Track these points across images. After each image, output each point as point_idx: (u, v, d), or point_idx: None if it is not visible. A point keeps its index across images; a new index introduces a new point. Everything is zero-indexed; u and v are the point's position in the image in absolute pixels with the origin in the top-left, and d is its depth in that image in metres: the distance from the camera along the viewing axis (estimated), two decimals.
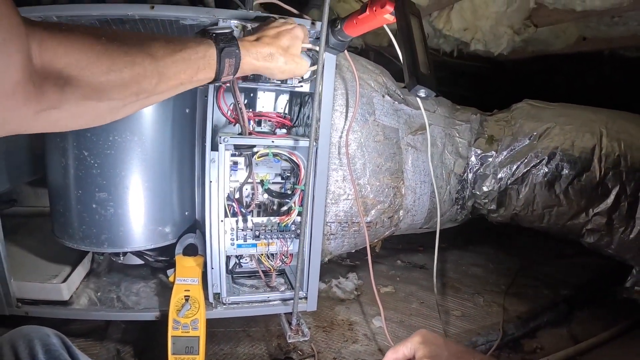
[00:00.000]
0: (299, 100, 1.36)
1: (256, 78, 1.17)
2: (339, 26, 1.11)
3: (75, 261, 1.44)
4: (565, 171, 1.72)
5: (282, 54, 0.92)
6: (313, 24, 1.19)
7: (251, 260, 1.41)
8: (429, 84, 0.83)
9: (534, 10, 2.06)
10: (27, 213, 1.93)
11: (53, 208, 1.35)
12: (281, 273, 1.46)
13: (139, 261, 1.49)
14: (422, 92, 0.83)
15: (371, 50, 2.31)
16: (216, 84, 1.16)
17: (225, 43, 0.80)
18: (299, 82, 1.20)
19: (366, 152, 1.44)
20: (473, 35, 2.13)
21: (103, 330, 1.43)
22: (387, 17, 0.97)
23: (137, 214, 1.27)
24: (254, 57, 0.87)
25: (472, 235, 2.44)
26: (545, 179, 1.75)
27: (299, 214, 1.26)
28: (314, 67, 1.10)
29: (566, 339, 1.61)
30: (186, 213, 1.39)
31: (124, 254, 1.44)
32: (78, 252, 1.44)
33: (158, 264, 1.44)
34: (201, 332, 1.20)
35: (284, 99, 1.36)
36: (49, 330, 0.74)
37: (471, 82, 3.05)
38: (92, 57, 0.58)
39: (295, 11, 1.24)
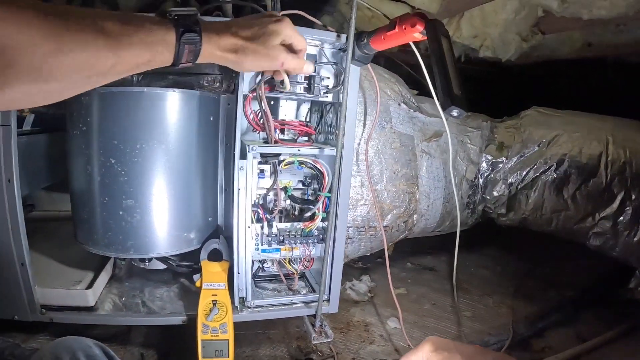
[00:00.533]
0: (319, 108, 1.39)
1: (280, 88, 1.21)
2: (365, 40, 1.15)
3: (98, 266, 1.46)
4: (573, 177, 1.77)
5: (251, 48, 0.83)
6: (338, 36, 1.23)
7: (273, 264, 1.45)
8: (462, 104, 0.88)
9: (541, 18, 2.10)
10: (43, 217, 1.95)
11: (77, 214, 1.36)
12: (301, 276, 1.49)
13: (160, 266, 1.51)
14: (455, 112, 0.87)
15: (382, 56, 2.34)
16: (244, 94, 1.21)
17: (186, 28, 0.72)
18: (324, 92, 1.24)
19: (383, 159, 1.49)
20: (482, 42, 2.17)
21: (126, 335, 1.45)
22: (416, 35, 1.00)
23: (162, 221, 1.30)
24: (216, 46, 0.79)
25: (478, 238, 2.49)
26: (554, 184, 1.80)
27: (323, 219, 1.30)
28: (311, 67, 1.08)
29: (573, 339, 1.66)
30: (209, 219, 1.42)
31: (150, 259, 1.47)
32: (99, 257, 1.46)
33: (182, 269, 1.47)
34: (230, 335, 1.22)
35: (305, 107, 1.39)
36: (90, 341, 0.76)
37: (477, 86, 3.09)
38: (36, 38, 0.53)
39: (318, 22, 1.27)
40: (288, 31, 0.91)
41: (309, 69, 1.02)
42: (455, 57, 0.96)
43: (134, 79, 1.88)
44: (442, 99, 0.88)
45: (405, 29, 0.99)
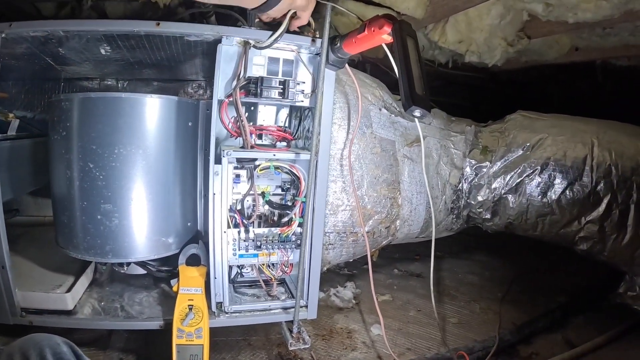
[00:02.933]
0: (298, 114, 1.39)
1: (257, 93, 1.21)
2: (338, 44, 1.15)
3: (79, 271, 1.46)
4: (558, 180, 1.76)
5: None
6: (313, 40, 1.23)
7: (252, 269, 1.44)
8: (424, 105, 0.88)
9: (527, 22, 2.10)
10: (28, 223, 1.95)
11: (57, 219, 1.37)
12: (281, 282, 1.49)
13: (141, 271, 1.52)
14: (417, 112, 0.87)
15: (368, 62, 2.35)
16: (219, 99, 1.21)
17: None
18: (300, 97, 1.24)
19: (364, 164, 1.48)
20: (468, 47, 2.17)
21: (106, 339, 1.44)
22: (384, 37, 1.01)
23: (141, 225, 1.30)
24: None
25: (467, 244, 2.48)
26: (539, 188, 1.80)
27: (300, 224, 1.30)
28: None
29: (561, 345, 1.65)
30: (189, 224, 1.42)
31: (128, 264, 1.47)
32: (81, 262, 1.46)
33: (161, 274, 1.46)
34: (205, 340, 1.22)
35: (284, 112, 1.40)
36: (59, 338, 0.75)
37: (466, 92, 3.09)
38: None
39: (295, 28, 1.27)
40: None
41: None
42: (422, 58, 0.96)
43: (119, 84, 1.90)
44: (404, 99, 0.88)
45: (374, 30, 1.00)
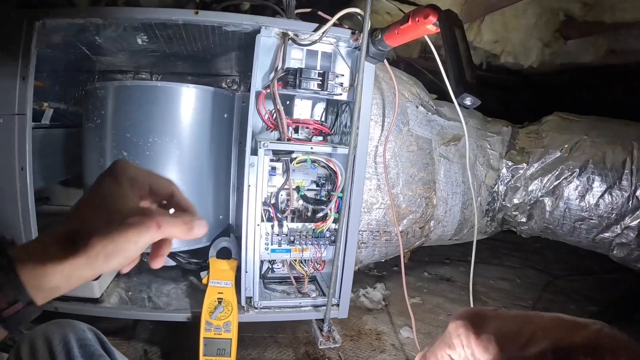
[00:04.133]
0: (335, 109, 1.36)
1: (296, 85, 1.18)
2: (379, 36, 1.12)
3: None
4: (597, 184, 1.70)
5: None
6: (353, 33, 1.20)
7: (283, 265, 1.42)
8: (475, 92, 0.84)
9: (563, 22, 2.05)
10: (59, 212, 1.96)
11: None
12: (312, 279, 1.46)
13: (169, 263, 1.50)
14: (468, 100, 0.84)
15: (401, 61, 2.31)
16: (257, 90, 1.19)
17: None
18: (338, 90, 1.22)
19: (400, 161, 1.45)
20: (503, 47, 2.12)
21: (131, 330, 1.43)
22: (429, 27, 0.97)
23: None
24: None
25: (497, 249, 2.42)
26: (576, 191, 1.73)
27: (335, 220, 1.27)
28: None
29: None
30: (220, 217, 1.40)
31: None
32: None
33: (190, 266, 1.45)
34: (233, 334, 1.20)
35: (320, 106, 1.37)
36: (84, 324, 0.72)
37: (498, 95, 3.03)
38: None
39: (332, 20, 1.24)
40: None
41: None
42: (469, 48, 0.92)
43: (153, 77, 1.90)
44: (455, 86, 0.85)
45: (418, 21, 0.96)
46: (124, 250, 0.42)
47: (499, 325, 0.41)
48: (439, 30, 0.97)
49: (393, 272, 2.08)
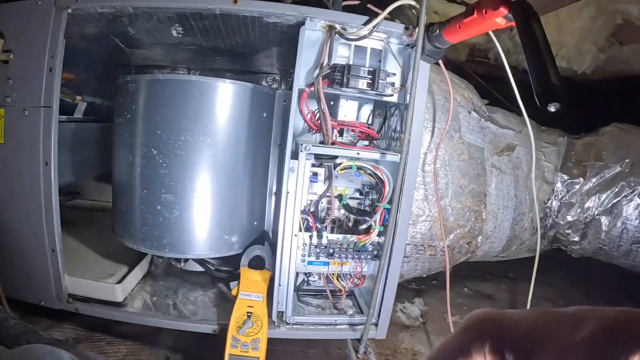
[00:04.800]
0: (383, 111, 1.26)
1: (343, 83, 1.08)
2: (437, 31, 1.02)
3: (134, 261, 1.41)
4: None
5: None
6: (407, 28, 1.10)
7: (319, 278, 1.32)
8: (562, 96, 0.72)
9: (620, 26, 1.91)
10: (89, 207, 1.94)
11: (116, 205, 1.32)
12: (350, 294, 1.36)
13: (199, 267, 1.43)
14: (553, 107, 0.72)
15: (448, 64, 2.19)
16: (300, 87, 1.09)
17: None
18: (389, 91, 1.11)
19: (449, 171, 1.33)
20: (557, 51, 2.00)
21: (154, 335, 1.37)
22: (498, 20, 0.86)
23: (203, 220, 1.21)
24: None
25: (541, 267, 2.27)
26: (637, 211, 1.59)
27: (379, 234, 1.16)
28: None
29: None
30: (255, 223, 1.32)
31: (185, 260, 1.39)
32: (137, 252, 1.40)
33: (220, 274, 1.37)
34: (261, 352, 1.11)
35: (367, 108, 1.27)
36: (65, 354, 0.67)
37: None
38: None
39: (384, 13, 1.14)
40: None
41: None
42: (549, 45, 0.80)
43: (191, 74, 1.84)
44: (539, 90, 0.73)
45: (486, 13, 0.85)
46: None
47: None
48: (508, 24, 0.85)
49: (432, 286, 1.96)
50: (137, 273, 1.39)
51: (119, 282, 1.29)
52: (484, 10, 0.87)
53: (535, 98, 0.74)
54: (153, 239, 1.22)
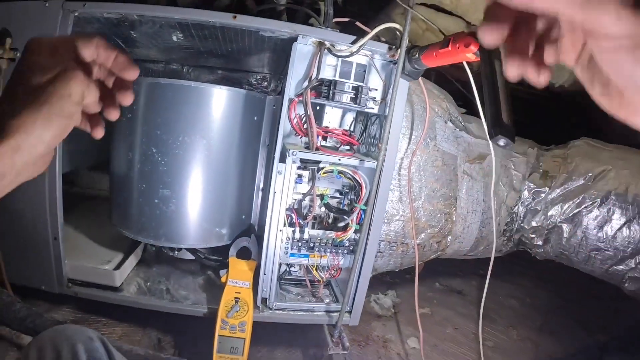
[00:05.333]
0: (364, 119, 1.38)
1: (329, 96, 1.20)
2: (417, 55, 1.13)
3: (129, 249, 1.49)
4: (616, 216, 1.69)
5: None
6: (390, 48, 1.21)
7: (300, 268, 1.44)
8: (509, 135, 0.85)
9: None
10: (83, 195, 2.00)
11: (114, 198, 1.40)
12: (327, 284, 1.48)
13: (189, 256, 1.54)
14: (502, 142, 0.84)
15: (433, 70, 2.30)
16: (290, 97, 1.20)
17: None
18: (370, 105, 1.23)
19: (423, 176, 1.46)
20: None
21: (146, 318, 1.46)
22: (469, 55, 0.97)
23: (197, 214, 1.31)
24: None
25: (510, 267, 2.41)
26: (595, 221, 1.72)
27: (355, 231, 1.28)
28: None
29: None
30: (243, 217, 1.43)
31: (179, 249, 1.49)
32: (131, 240, 1.49)
33: (210, 262, 1.48)
34: (247, 334, 1.23)
35: (350, 116, 1.38)
36: (92, 332, 0.71)
37: (525, 110, 3.00)
38: None
39: (370, 31, 1.24)
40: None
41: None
42: (508, 86, 0.93)
43: (184, 69, 1.92)
44: (490, 126, 0.85)
45: (459, 48, 0.96)
46: (58, 110, 0.42)
47: None
48: (478, 59, 0.97)
49: (405, 280, 2.10)
50: (132, 260, 1.48)
51: (117, 268, 1.37)
52: (457, 45, 0.98)
53: (487, 131, 0.87)
54: (150, 230, 1.31)
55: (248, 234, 1.40)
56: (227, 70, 1.83)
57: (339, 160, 1.22)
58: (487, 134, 0.85)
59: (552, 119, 3.01)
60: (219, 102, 1.26)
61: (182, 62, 1.86)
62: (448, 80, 2.10)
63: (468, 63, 1.14)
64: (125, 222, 1.36)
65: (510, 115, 0.90)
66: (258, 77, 1.82)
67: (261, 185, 1.47)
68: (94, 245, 1.49)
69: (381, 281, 2.06)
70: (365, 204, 1.25)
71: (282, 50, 1.31)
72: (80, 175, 2.03)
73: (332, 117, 1.36)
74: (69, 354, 0.63)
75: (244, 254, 1.37)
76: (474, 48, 0.95)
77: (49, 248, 1.27)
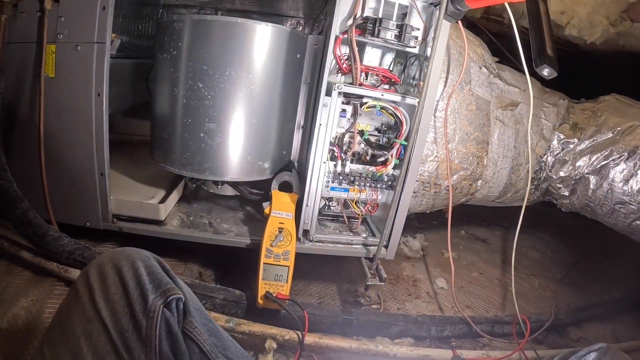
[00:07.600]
0: (404, 60, 1.41)
1: (374, 33, 1.23)
2: None
3: (170, 186, 1.55)
4: None
5: None
6: None
7: (338, 204, 1.50)
8: (553, 65, 0.89)
9: (632, 4, 2.01)
10: (118, 140, 2.04)
11: (156, 134, 1.45)
12: (363, 220, 1.54)
13: (228, 192, 1.59)
14: (546, 71, 0.89)
15: (464, 20, 2.30)
16: (336, 34, 1.24)
17: None
18: (412, 43, 1.26)
19: (458, 119, 1.49)
20: (569, 19, 2.10)
21: (188, 253, 1.52)
22: None
23: (241, 147, 1.36)
24: None
25: (533, 221, 2.46)
26: (622, 174, 1.75)
27: (395, 166, 1.33)
28: None
29: (609, 337, 1.65)
30: (284, 152, 1.48)
31: (222, 183, 1.54)
32: (171, 179, 1.56)
33: (252, 196, 1.54)
34: (291, 262, 1.28)
35: (389, 57, 1.41)
36: (148, 252, 0.73)
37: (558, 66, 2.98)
38: None
39: None
40: None
41: None
42: (551, 22, 0.96)
43: (219, 14, 1.94)
44: (536, 56, 0.90)
45: None
46: None
47: None
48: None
49: (432, 226, 2.17)
50: (174, 195, 1.53)
51: (161, 201, 1.42)
52: None
53: (533, 61, 0.91)
54: (194, 163, 1.36)
55: (288, 169, 1.45)
56: (261, 14, 1.85)
57: (382, 95, 1.26)
58: (533, 63, 0.88)
59: (583, 77, 2.99)
60: (264, 38, 1.29)
61: (216, 5, 1.88)
62: (480, 31, 2.10)
63: (511, 5, 1.18)
64: (168, 158, 1.40)
65: (553, 49, 0.94)
66: (292, 22, 1.84)
67: (301, 123, 1.51)
68: (135, 184, 1.54)
69: (410, 226, 2.12)
70: (406, 139, 1.29)
71: None
72: (115, 120, 2.07)
73: (371, 57, 1.38)
74: (129, 270, 0.66)
75: (285, 188, 1.43)
76: None
77: (95, 185, 1.32)
